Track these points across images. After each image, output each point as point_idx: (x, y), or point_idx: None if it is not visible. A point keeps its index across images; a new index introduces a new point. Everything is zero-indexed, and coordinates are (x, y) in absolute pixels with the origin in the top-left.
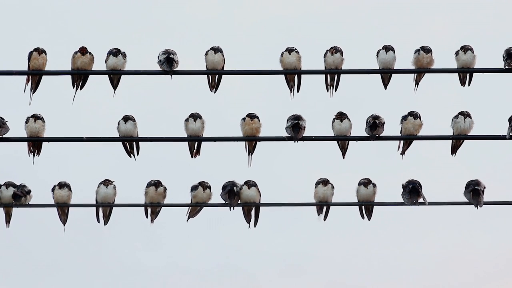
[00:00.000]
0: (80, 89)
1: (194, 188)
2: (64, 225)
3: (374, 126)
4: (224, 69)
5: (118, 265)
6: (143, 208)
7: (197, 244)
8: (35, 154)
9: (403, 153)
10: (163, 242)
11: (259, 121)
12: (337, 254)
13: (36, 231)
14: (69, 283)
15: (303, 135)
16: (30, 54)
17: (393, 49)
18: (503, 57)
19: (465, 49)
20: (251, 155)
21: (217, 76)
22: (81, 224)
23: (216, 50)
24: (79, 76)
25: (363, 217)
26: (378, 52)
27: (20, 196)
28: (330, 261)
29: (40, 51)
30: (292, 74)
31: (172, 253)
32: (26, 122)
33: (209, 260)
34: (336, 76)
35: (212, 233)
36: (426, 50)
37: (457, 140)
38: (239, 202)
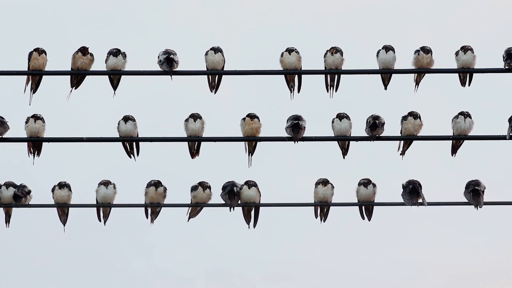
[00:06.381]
0: (76, 88)
1: (194, 188)
2: (64, 225)
3: (374, 126)
4: (224, 69)
5: (111, 269)
6: (142, 208)
7: (185, 250)
8: (35, 155)
9: (403, 153)
10: (153, 247)
11: (259, 121)
12: (326, 260)
13: (36, 231)
14: (68, 283)
15: (303, 135)
16: (30, 54)
17: (393, 49)
18: (503, 57)
19: (465, 49)
20: (251, 155)
21: (217, 76)
22: (81, 225)
23: (216, 50)
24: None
25: (363, 218)
26: (378, 52)
27: (20, 196)
28: (318, 267)
29: (40, 51)
30: (292, 74)
31: (160, 258)
32: (26, 122)
33: (196, 265)
34: (336, 76)
35: (200, 238)
36: (426, 50)
37: (457, 140)
38: (239, 202)
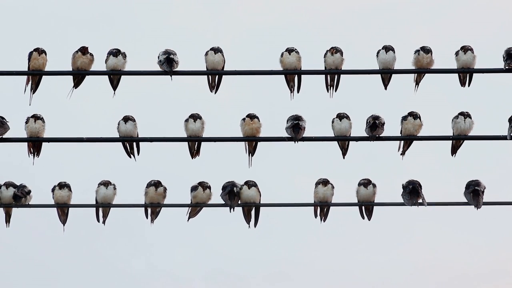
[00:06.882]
0: (76, 88)
1: (194, 188)
2: (63, 225)
3: (374, 127)
4: (224, 69)
5: (111, 269)
6: (142, 208)
7: (184, 249)
8: (35, 155)
9: (403, 153)
10: (152, 247)
11: (259, 121)
12: (326, 260)
13: (36, 231)
14: (68, 283)
15: (303, 135)
16: (30, 54)
17: (393, 49)
18: (503, 57)
19: (465, 49)
20: (252, 155)
21: (217, 76)
22: (80, 225)
23: (216, 50)
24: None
25: (363, 218)
26: (378, 52)
27: (20, 196)
28: (318, 267)
29: (40, 51)
30: (292, 75)
31: (160, 258)
32: (26, 122)
33: (196, 265)
34: (336, 76)
35: (200, 238)
36: (426, 50)
37: (457, 140)
38: (239, 202)
